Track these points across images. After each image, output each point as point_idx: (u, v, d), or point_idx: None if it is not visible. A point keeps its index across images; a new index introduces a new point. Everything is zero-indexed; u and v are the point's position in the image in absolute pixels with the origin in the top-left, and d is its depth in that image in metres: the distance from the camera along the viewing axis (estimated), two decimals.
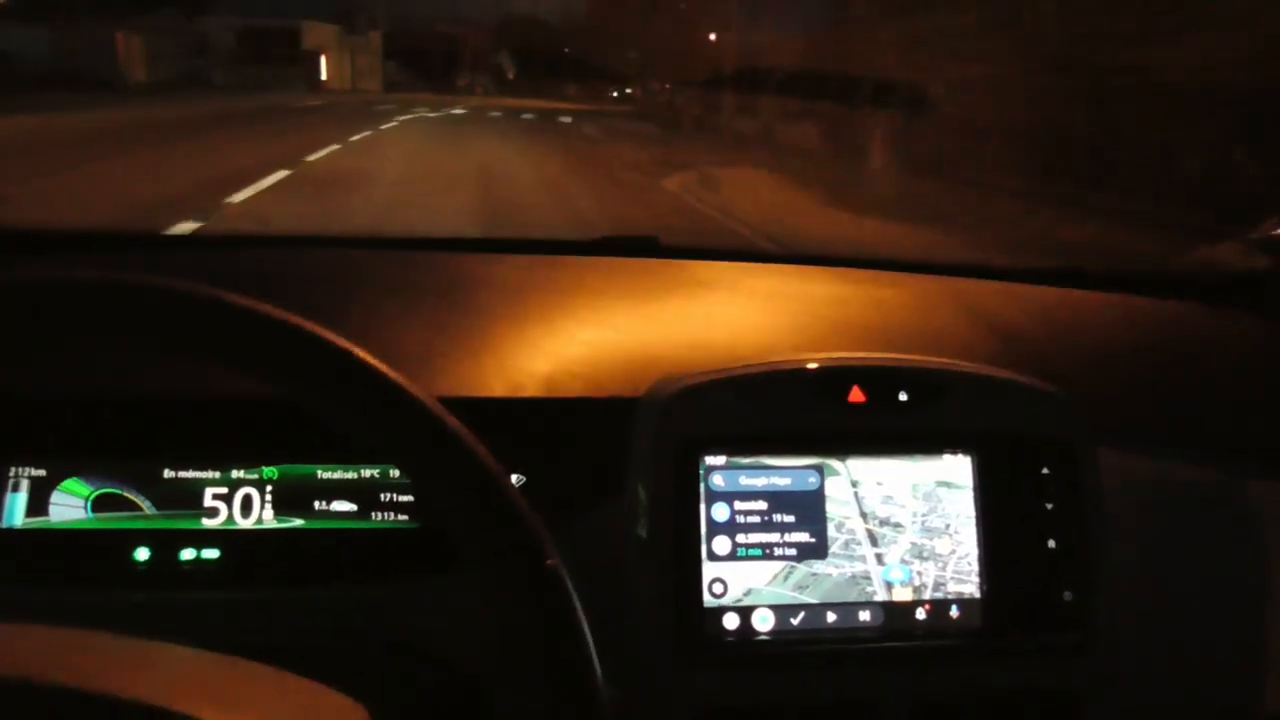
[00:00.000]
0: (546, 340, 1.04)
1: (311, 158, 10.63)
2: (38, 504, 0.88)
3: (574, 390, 0.97)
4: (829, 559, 0.87)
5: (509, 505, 0.62)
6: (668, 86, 29.96)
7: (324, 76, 44.37)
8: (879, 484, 0.89)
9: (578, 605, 0.62)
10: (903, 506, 0.89)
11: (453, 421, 0.62)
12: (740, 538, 0.86)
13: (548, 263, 1.30)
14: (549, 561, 0.62)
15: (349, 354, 0.61)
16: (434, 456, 0.61)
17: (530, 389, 0.96)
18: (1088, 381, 1.04)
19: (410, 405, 0.61)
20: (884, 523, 0.88)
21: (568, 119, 23.79)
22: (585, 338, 1.06)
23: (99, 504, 0.89)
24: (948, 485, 0.90)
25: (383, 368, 0.61)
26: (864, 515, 0.88)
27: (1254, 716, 0.99)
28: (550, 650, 0.61)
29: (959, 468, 0.90)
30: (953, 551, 0.89)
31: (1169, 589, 0.98)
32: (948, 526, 0.89)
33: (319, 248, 1.38)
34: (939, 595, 0.88)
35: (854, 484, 0.89)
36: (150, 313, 0.59)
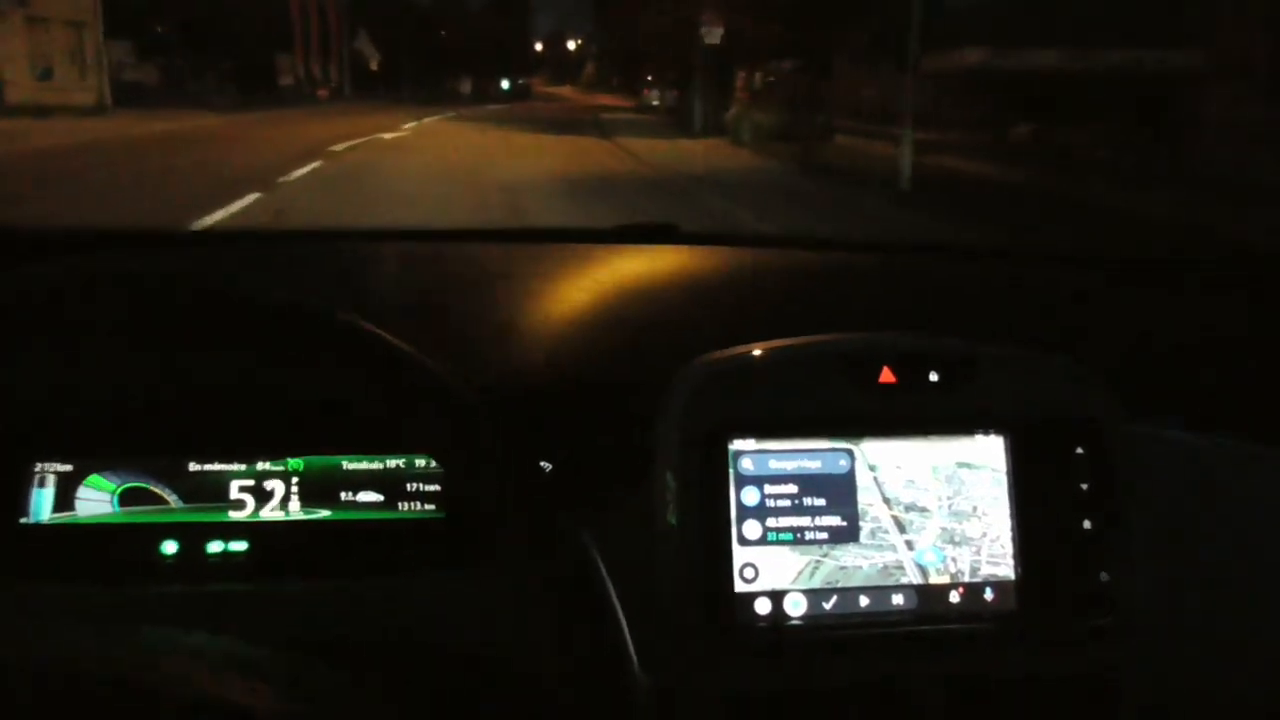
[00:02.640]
0: (570, 329, 1.03)
1: None
2: (64, 499, 0.88)
3: (599, 377, 0.96)
4: (858, 549, 0.86)
5: (541, 493, 0.61)
6: (743, 83, 19.77)
7: None
8: (898, 467, 0.87)
9: (612, 592, 0.61)
10: (926, 490, 0.87)
11: (482, 407, 0.61)
12: (771, 522, 0.85)
13: (568, 251, 1.29)
14: (575, 530, 0.61)
15: (380, 340, 0.61)
16: (463, 444, 0.61)
17: (555, 377, 0.95)
18: (1118, 360, 1.02)
19: (442, 392, 0.61)
20: (909, 508, 0.87)
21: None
22: (608, 325, 1.05)
23: (125, 498, 0.89)
24: (969, 466, 0.88)
25: (414, 354, 0.61)
26: (887, 500, 0.87)
27: None
28: (583, 637, 0.60)
29: (989, 448, 0.89)
30: (984, 534, 0.88)
31: (1206, 569, 0.96)
32: (975, 509, 0.88)
33: (344, 241, 1.38)
34: (973, 578, 0.87)
35: (873, 468, 0.87)
36: (198, 306, 0.59)
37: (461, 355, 0.97)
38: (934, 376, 0.87)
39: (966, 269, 1.31)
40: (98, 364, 0.90)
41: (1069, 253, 1.41)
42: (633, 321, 1.07)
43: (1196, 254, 1.46)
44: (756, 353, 0.88)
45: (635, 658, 0.76)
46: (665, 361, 0.92)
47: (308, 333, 0.61)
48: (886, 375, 0.87)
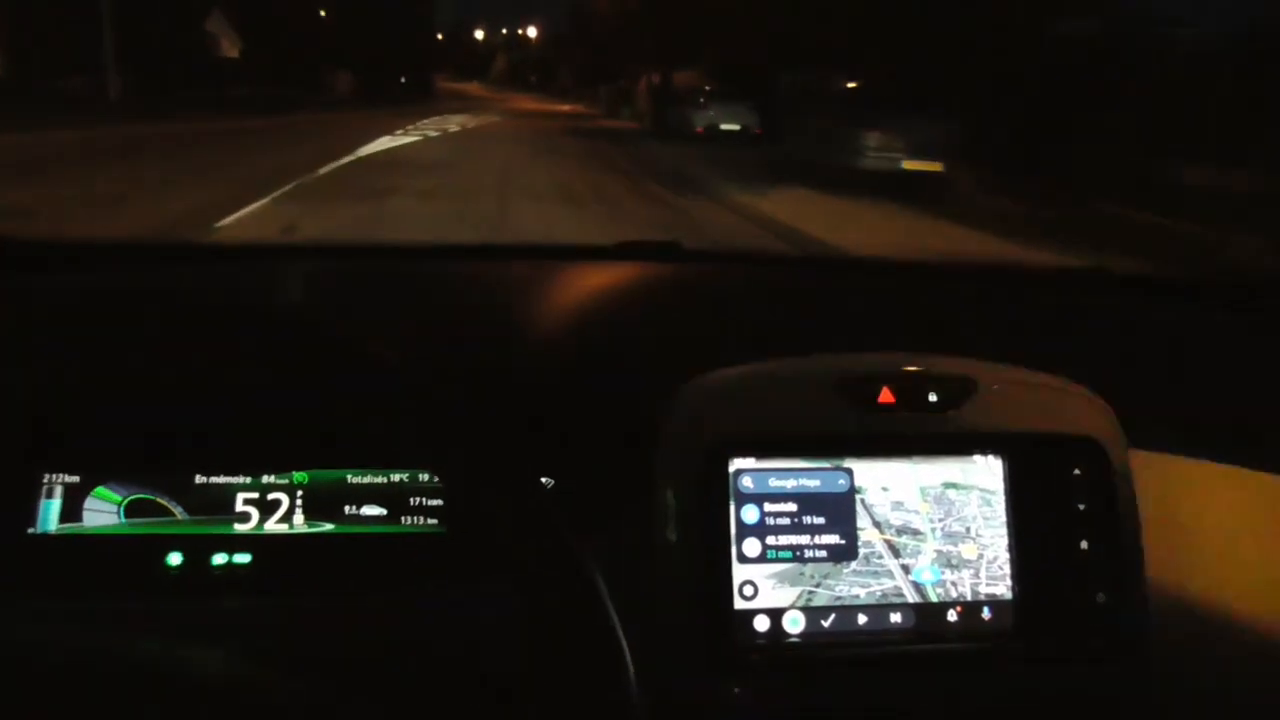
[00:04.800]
0: (572, 345, 1.04)
1: None
2: (71, 510, 0.89)
3: (601, 394, 0.97)
4: (854, 578, 0.86)
5: (540, 509, 0.62)
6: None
7: None
8: (884, 489, 0.88)
9: (611, 609, 0.62)
10: (916, 513, 0.88)
11: (484, 423, 0.62)
12: (770, 540, 0.85)
13: (572, 268, 1.30)
14: (576, 547, 0.62)
15: (380, 358, 0.62)
16: (464, 460, 0.62)
17: (557, 393, 0.96)
18: (1116, 382, 1.03)
19: (443, 410, 0.62)
20: (901, 531, 0.88)
21: None
22: (611, 341, 1.06)
23: (132, 510, 0.90)
24: (955, 487, 0.89)
25: (414, 370, 0.62)
26: (878, 524, 0.87)
27: None
28: (583, 654, 0.61)
29: (979, 469, 0.90)
30: (980, 557, 0.88)
31: (1204, 590, 0.96)
32: (968, 530, 0.89)
33: (347, 257, 1.39)
34: (970, 598, 0.88)
35: (858, 490, 0.88)
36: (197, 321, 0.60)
37: (463, 371, 0.98)
38: (933, 397, 0.88)
39: (968, 286, 1.31)
40: (106, 376, 0.91)
41: (1068, 270, 1.41)
42: (635, 338, 1.08)
43: (1195, 274, 1.46)
44: (757, 372, 0.89)
45: (634, 675, 0.76)
46: (667, 378, 0.93)
47: (308, 347, 0.61)
48: (886, 395, 0.88)
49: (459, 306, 1.14)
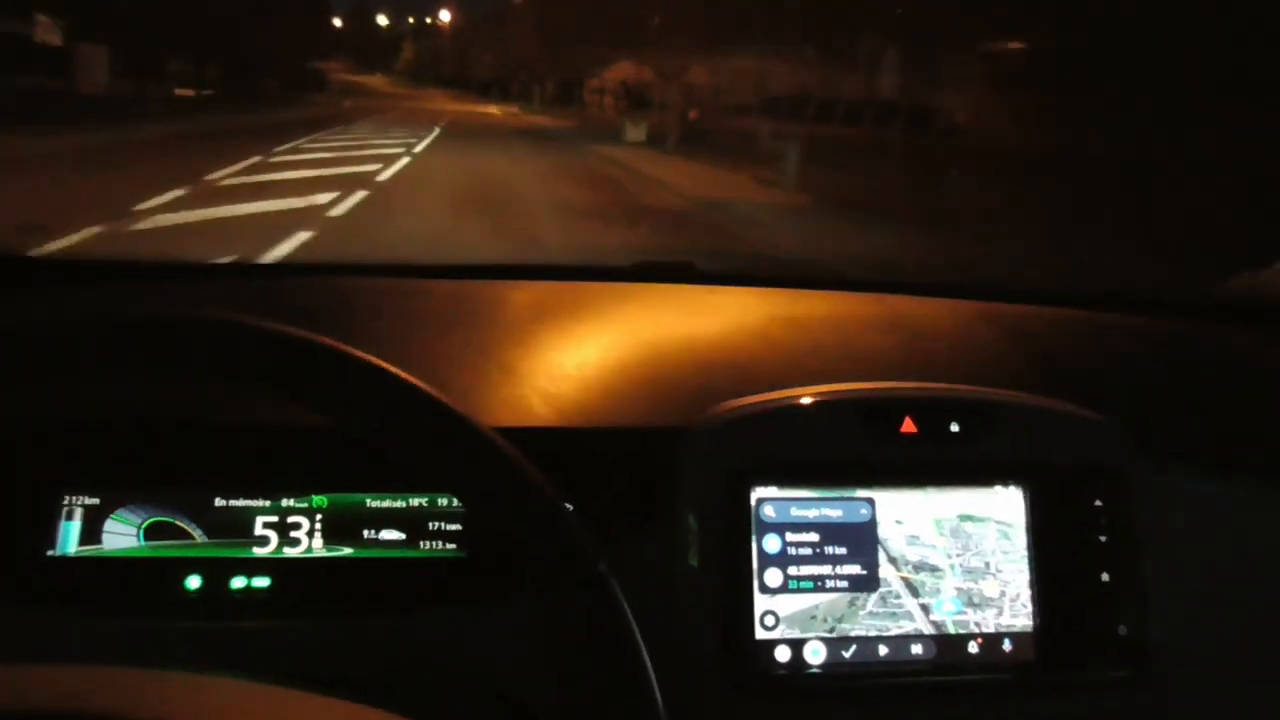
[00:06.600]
0: (591, 368, 1.04)
1: None
2: (91, 532, 0.89)
3: (620, 418, 0.97)
4: (871, 620, 0.86)
5: (564, 529, 0.62)
6: None
7: None
8: (899, 522, 0.87)
9: (635, 629, 0.61)
10: (934, 547, 0.87)
11: (505, 446, 0.62)
12: (792, 570, 0.85)
13: (588, 289, 1.30)
14: (600, 568, 0.62)
15: (402, 381, 0.62)
16: (487, 482, 0.62)
17: (576, 417, 0.96)
18: (1136, 408, 1.03)
19: (464, 431, 0.62)
20: (919, 568, 0.87)
21: None
22: (629, 365, 1.06)
23: (151, 532, 0.90)
24: (972, 519, 0.88)
25: (435, 394, 0.62)
26: (893, 560, 0.87)
27: None
28: (606, 681, 0.60)
29: (998, 500, 0.89)
30: (1003, 594, 0.87)
31: (1226, 618, 0.95)
32: (988, 565, 0.88)
33: (364, 276, 1.39)
34: (991, 629, 0.87)
35: (876, 523, 0.87)
36: (212, 346, 0.60)
37: (480, 393, 0.98)
38: (955, 427, 0.88)
39: (986, 309, 1.31)
40: (125, 398, 0.91)
41: (1085, 295, 1.41)
42: (652, 361, 1.08)
43: (1213, 295, 1.46)
44: (780, 400, 0.89)
45: (659, 702, 0.76)
46: (686, 404, 0.93)
47: (325, 369, 0.62)
48: (908, 425, 0.87)
49: (470, 326, 1.14)
